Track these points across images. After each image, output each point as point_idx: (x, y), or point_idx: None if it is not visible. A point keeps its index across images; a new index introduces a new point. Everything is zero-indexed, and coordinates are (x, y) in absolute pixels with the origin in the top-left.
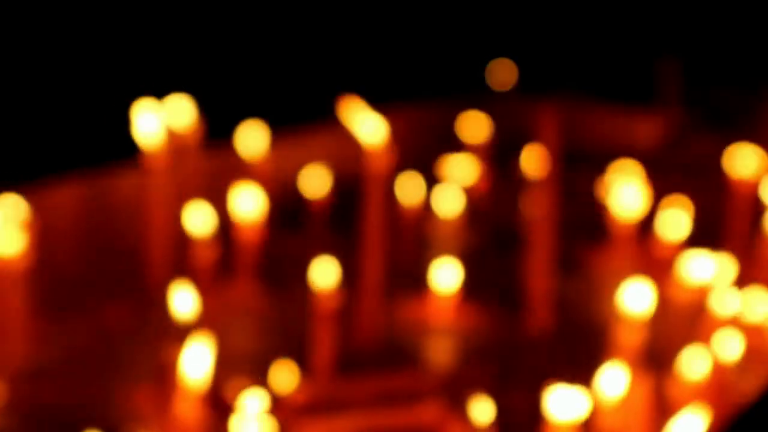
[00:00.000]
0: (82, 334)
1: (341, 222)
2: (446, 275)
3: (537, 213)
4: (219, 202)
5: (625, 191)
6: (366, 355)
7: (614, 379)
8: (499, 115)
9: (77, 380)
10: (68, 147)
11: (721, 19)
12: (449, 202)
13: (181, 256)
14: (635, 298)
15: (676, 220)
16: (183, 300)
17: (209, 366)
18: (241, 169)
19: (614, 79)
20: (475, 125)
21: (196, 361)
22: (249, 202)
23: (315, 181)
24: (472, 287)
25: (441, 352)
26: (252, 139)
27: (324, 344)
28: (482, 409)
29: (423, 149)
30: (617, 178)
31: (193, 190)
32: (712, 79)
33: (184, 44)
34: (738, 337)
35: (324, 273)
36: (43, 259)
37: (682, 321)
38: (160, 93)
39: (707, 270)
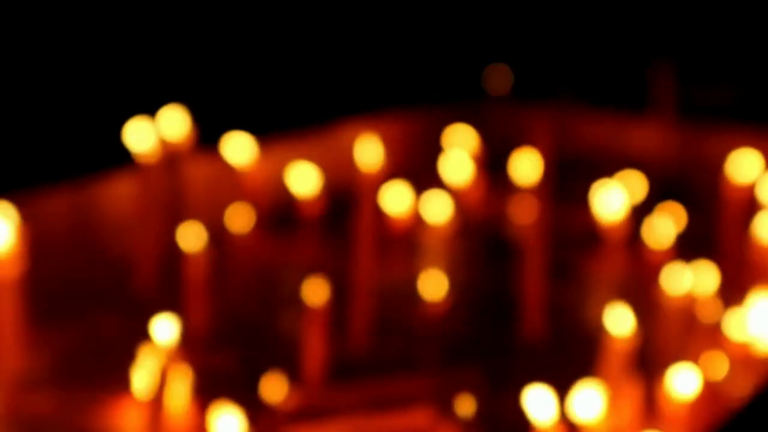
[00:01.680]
0: (72, 342)
1: (333, 228)
2: (437, 282)
3: (529, 220)
4: (210, 210)
5: (617, 198)
6: (357, 361)
7: (601, 385)
8: (492, 122)
9: (67, 389)
10: (59, 155)
11: (715, 20)
12: (440, 209)
13: (171, 265)
14: (617, 322)
15: (668, 226)
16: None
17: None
18: (232, 177)
19: (608, 85)
20: (467, 132)
21: (184, 375)
22: (240, 209)
23: (306, 187)
24: (463, 294)
25: (432, 358)
26: (241, 146)
27: (315, 351)
28: (473, 415)
29: (415, 156)
30: (609, 185)
31: (185, 198)
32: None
33: (173, 50)
34: (728, 346)
35: (316, 281)
36: (34, 267)
37: (673, 329)
38: (150, 100)
39: (698, 278)
